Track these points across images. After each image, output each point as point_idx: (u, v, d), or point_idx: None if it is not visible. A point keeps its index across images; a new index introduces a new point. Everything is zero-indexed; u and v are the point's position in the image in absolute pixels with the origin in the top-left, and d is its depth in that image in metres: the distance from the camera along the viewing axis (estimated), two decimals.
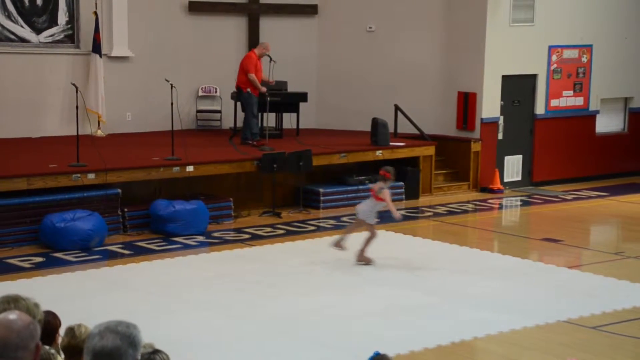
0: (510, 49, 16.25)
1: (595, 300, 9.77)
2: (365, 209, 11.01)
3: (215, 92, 16.45)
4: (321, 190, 14.51)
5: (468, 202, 15.51)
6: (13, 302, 3.30)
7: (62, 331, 4.91)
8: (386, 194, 10.86)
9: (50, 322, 4.58)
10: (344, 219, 13.77)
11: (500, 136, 16.57)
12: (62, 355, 4.65)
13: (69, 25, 15.09)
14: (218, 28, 16.43)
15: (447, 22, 16.50)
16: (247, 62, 14.64)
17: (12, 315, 2.95)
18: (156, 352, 4.10)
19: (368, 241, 10.96)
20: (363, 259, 10.95)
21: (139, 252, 11.59)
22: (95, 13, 14.90)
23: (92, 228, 11.59)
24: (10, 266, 10.78)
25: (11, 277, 10.22)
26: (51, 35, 14.97)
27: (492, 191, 16.25)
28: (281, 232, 12.87)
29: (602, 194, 16.48)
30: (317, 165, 14.32)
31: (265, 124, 14.96)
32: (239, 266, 10.95)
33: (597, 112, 17.82)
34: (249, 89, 14.46)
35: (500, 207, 15.59)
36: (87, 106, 14.23)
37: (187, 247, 11.94)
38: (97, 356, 2.91)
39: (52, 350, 4.43)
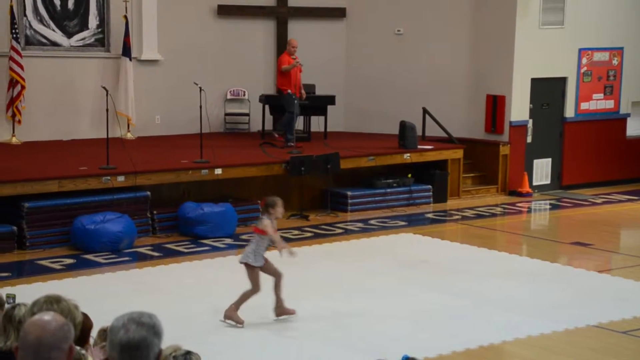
0: (540, 51, 16.17)
1: (625, 305, 9.70)
2: (246, 249, 8.87)
3: (244, 95, 16.51)
4: (349, 193, 14.51)
5: (496, 205, 15.45)
6: (55, 302, 3.35)
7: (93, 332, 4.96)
8: (266, 224, 8.68)
9: (84, 323, 4.63)
10: (372, 221, 13.78)
11: (529, 139, 16.49)
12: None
13: (100, 29, 15.22)
14: (247, 31, 16.50)
15: (476, 24, 16.46)
16: (278, 61, 14.97)
17: (47, 316, 3.00)
18: (189, 353, 4.14)
19: (277, 288, 8.86)
20: (283, 312, 8.92)
21: (167, 254, 11.66)
22: (125, 17, 15.01)
23: (121, 230, 11.68)
24: (41, 267, 10.90)
25: (42, 278, 10.33)
26: (82, 39, 15.10)
27: (520, 194, 16.18)
28: (309, 234, 12.89)
29: (633, 198, 16.34)
30: (344, 168, 14.33)
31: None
32: None
33: (628, 115, 17.68)
34: (289, 90, 14.58)
35: (529, 210, 15.51)
36: (117, 109, 14.37)
37: (215, 249, 12.00)
38: (125, 349, 2.93)
39: (83, 351, 4.47)
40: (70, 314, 3.33)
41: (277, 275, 8.81)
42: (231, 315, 8.70)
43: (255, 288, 8.71)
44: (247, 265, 8.72)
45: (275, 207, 8.75)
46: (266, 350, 8.07)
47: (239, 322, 8.68)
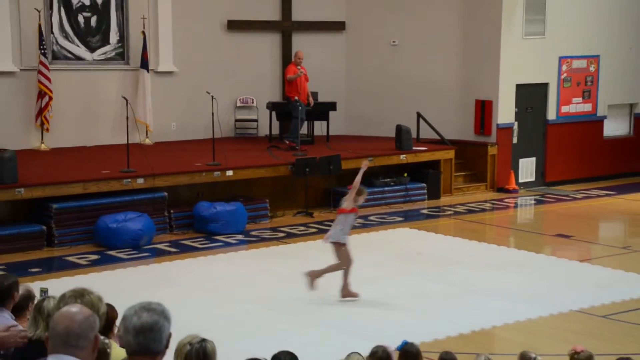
0: (524, 59, 16.15)
1: (605, 291, 9.69)
2: (332, 231, 9.24)
3: (252, 102, 16.50)
4: None
5: (486, 201, 15.43)
6: (80, 296, 3.36)
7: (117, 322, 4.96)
8: (346, 198, 9.30)
9: (107, 314, 4.62)
10: (371, 217, 13.77)
11: (515, 140, 16.47)
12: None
13: (120, 44, 15.22)
14: (254, 44, 16.49)
15: (465, 35, 16.44)
16: (286, 71, 14.93)
17: (74, 308, 3.01)
18: (204, 340, 4.13)
19: (346, 272, 9.20)
20: (348, 294, 9.25)
21: (184, 250, 11.66)
22: (143, 33, 15.01)
23: (141, 228, 11.68)
24: (68, 263, 10.91)
25: (69, 273, 10.34)
26: (104, 53, 15.10)
27: (507, 191, 16.16)
28: (313, 230, 12.88)
29: (610, 193, 16.32)
30: (346, 169, 14.31)
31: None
32: (275, 262, 10.98)
33: (605, 117, 17.65)
34: (296, 97, 14.56)
35: (516, 206, 15.49)
36: (136, 117, 14.35)
37: (227, 245, 11.99)
38: (139, 332, 2.95)
39: (107, 341, 4.46)
40: (94, 306, 3.34)
41: (339, 261, 9.16)
42: (347, 293, 9.15)
43: (347, 262, 9.08)
44: (335, 244, 9.05)
45: (362, 195, 9.31)
46: (274, 337, 8.05)
47: (356, 295, 9.16)
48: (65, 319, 2.95)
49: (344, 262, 9.08)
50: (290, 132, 14.86)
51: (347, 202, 9.23)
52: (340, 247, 9.08)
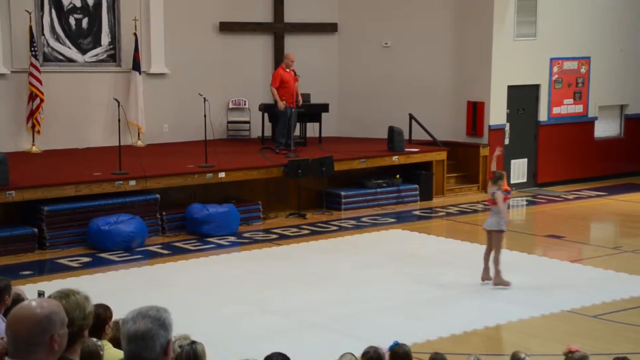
0: (515, 61, 16.19)
1: (595, 291, 9.72)
2: (489, 220, 9.92)
3: (245, 104, 16.50)
4: (342, 193, 14.50)
5: (477, 202, 15.44)
6: (65, 297, 3.31)
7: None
8: (497, 196, 9.84)
9: (99, 315, 4.58)
10: (364, 219, 13.78)
11: (506, 141, 16.50)
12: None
13: (111, 46, 15.20)
14: (246, 46, 16.49)
15: (456, 37, 16.47)
16: (273, 75, 14.79)
17: (32, 305, 2.93)
18: (193, 342, 4.13)
19: (496, 260, 9.76)
20: (501, 283, 9.78)
21: (176, 252, 11.65)
22: (135, 34, 15.00)
23: (133, 230, 11.66)
24: (60, 266, 10.88)
25: (62, 275, 10.32)
26: (95, 55, 15.08)
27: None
28: (306, 232, 12.88)
29: (601, 194, 16.37)
30: (338, 170, 14.33)
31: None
32: (268, 264, 10.98)
33: (596, 118, 17.71)
34: (283, 101, 14.48)
35: (508, 206, 15.44)
36: (128, 119, 14.33)
37: (220, 247, 11.98)
38: (131, 339, 2.91)
39: (100, 343, 4.44)
40: (79, 306, 3.29)
41: (498, 249, 9.71)
42: (499, 282, 9.71)
43: (499, 249, 9.69)
44: (493, 231, 9.72)
45: (503, 179, 9.92)
46: (265, 338, 8.05)
47: (507, 284, 9.69)
48: (12, 325, 2.89)
49: (500, 249, 9.67)
50: (275, 139, 14.80)
51: (491, 192, 9.82)
52: (497, 234, 9.70)
